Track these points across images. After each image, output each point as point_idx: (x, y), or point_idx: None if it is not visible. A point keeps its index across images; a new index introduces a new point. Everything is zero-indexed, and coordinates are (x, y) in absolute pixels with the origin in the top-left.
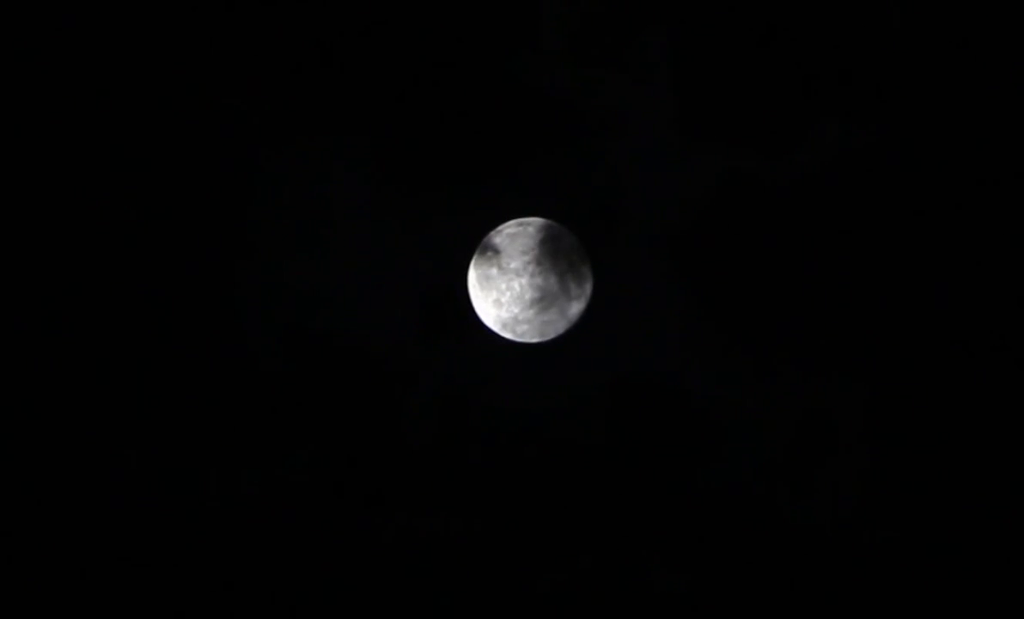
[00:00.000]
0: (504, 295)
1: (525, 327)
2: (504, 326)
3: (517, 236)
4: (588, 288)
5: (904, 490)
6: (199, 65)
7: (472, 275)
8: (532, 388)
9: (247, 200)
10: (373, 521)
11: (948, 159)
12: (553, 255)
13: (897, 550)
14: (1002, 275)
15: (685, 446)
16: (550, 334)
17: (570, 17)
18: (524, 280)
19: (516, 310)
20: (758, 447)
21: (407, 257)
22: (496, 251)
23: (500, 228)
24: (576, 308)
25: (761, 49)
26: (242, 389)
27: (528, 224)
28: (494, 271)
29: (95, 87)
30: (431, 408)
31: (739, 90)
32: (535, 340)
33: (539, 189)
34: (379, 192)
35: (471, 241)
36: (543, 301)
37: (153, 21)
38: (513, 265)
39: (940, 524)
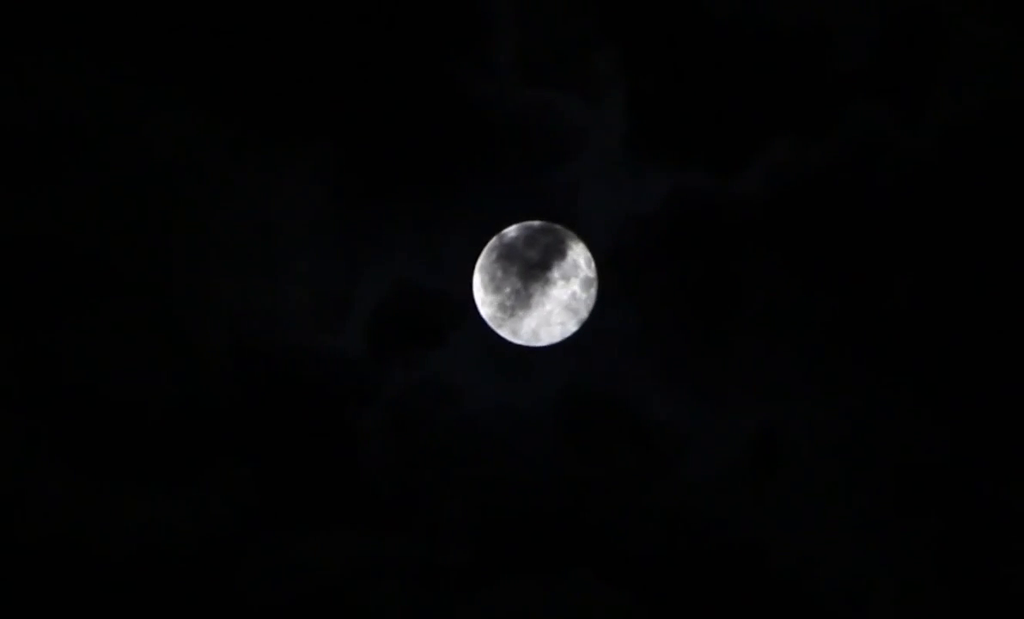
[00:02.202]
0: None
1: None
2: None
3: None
4: (545, 307)
5: (853, 508)
6: (152, 81)
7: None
8: (480, 406)
9: (194, 214)
10: (318, 539)
11: (897, 176)
12: (506, 271)
13: (846, 567)
14: (953, 293)
15: (635, 464)
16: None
17: (524, 39)
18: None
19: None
20: (708, 464)
21: (358, 274)
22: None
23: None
24: (528, 326)
25: (712, 70)
26: (190, 405)
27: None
28: (499, 274)
29: (36, 105)
30: (381, 425)
31: (690, 110)
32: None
33: (492, 206)
34: (330, 209)
35: (421, 258)
36: (499, 317)
37: (99, 35)
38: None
39: (890, 541)
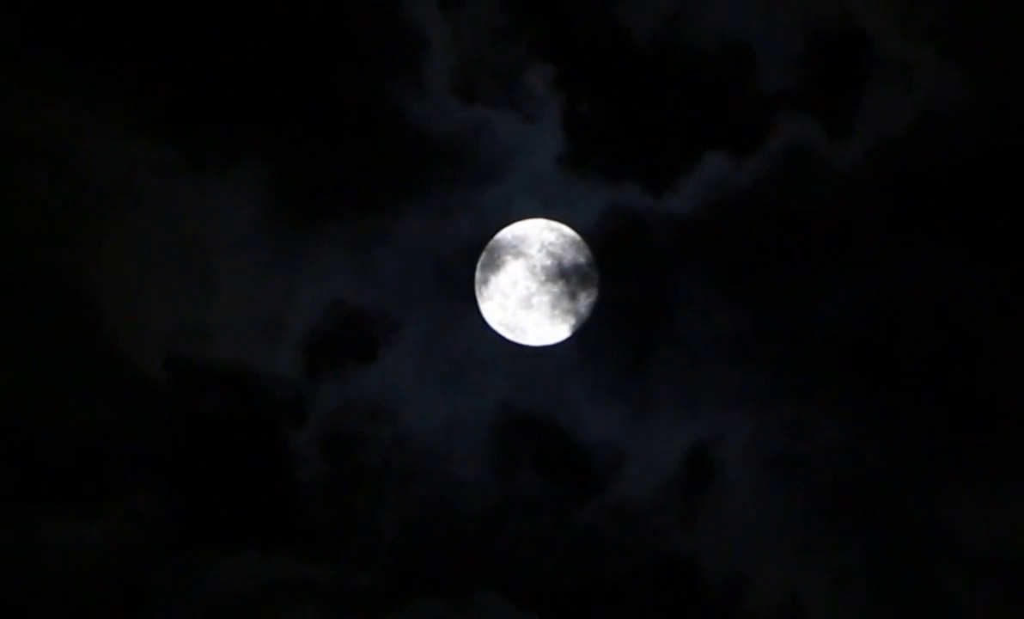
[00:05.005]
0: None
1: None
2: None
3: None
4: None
5: (785, 522)
6: (83, 101)
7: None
8: (413, 424)
9: (126, 234)
10: (237, 562)
11: (826, 190)
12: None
13: (779, 581)
14: (883, 307)
15: (568, 483)
16: None
17: (459, 59)
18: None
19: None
20: (642, 482)
21: (292, 293)
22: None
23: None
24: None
25: (644, 89)
26: (120, 425)
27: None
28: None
29: None
30: (313, 445)
31: (624, 128)
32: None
33: (427, 225)
34: (264, 229)
35: (355, 277)
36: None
37: (33, 43)
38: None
39: (822, 554)
